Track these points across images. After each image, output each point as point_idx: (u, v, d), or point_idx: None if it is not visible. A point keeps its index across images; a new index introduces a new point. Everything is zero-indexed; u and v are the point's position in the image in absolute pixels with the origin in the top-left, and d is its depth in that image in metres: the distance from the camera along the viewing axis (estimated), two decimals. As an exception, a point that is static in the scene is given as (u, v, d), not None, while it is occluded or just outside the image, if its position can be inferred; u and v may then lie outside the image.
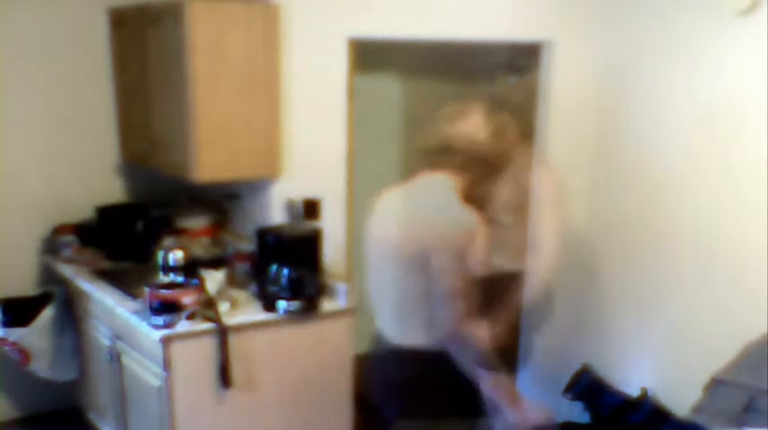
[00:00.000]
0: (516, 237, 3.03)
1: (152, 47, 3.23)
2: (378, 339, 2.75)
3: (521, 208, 3.04)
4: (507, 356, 3.44)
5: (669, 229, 3.22)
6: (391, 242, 2.59)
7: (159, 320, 2.74)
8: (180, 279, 2.88)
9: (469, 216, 2.53)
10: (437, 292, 2.50)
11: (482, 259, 2.57)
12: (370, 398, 2.88)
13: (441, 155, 2.63)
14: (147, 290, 2.78)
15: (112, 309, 3.04)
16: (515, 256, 3.02)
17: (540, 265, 2.99)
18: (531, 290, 3.04)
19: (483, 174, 2.71)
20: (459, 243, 2.49)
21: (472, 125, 2.69)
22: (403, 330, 2.63)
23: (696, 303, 3.13)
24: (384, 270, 2.65)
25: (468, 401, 2.55)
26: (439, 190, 2.60)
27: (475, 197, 2.56)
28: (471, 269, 2.52)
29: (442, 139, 2.65)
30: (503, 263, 2.96)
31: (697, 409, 2.47)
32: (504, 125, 2.86)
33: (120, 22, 3.57)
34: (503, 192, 2.98)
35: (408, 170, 2.77)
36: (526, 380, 3.71)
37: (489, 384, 2.54)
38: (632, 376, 3.32)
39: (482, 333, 2.54)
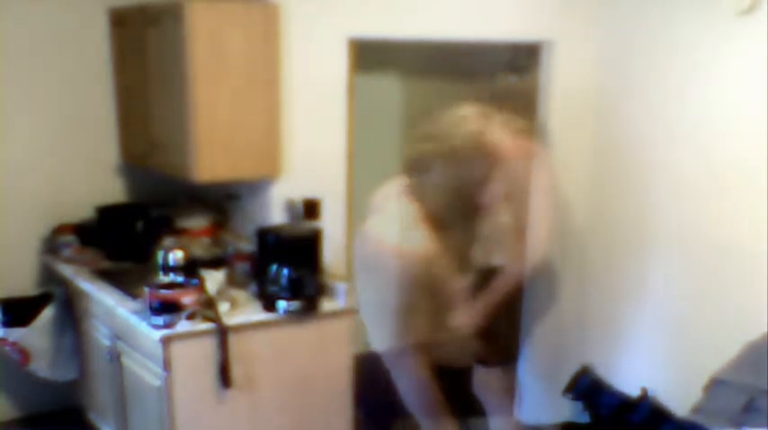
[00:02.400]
0: (514, 234, 3.03)
1: (152, 47, 3.23)
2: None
3: (517, 202, 3.04)
4: (508, 354, 3.45)
5: (670, 229, 3.22)
6: None
7: (159, 320, 2.74)
8: (180, 279, 2.88)
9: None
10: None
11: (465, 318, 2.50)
12: (369, 398, 2.88)
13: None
14: (147, 290, 2.79)
15: (112, 309, 3.04)
16: (511, 253, 3.01)
17: (532, 248, 2.96)
18: (529, 270, 3.03)
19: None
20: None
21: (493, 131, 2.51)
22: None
23: (697, 303, 3.13)
24: None
25: (465, 401, 2.54)
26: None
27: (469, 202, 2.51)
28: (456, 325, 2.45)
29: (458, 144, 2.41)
30: (501, 262, 2.95)
31: (697, 409, 2.47)
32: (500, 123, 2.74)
33: (120, 22, 3.57)
34: (496, 188, 2.95)
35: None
36: (526, 380, 3.72)
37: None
38: (632, 376, 3.32)
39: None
